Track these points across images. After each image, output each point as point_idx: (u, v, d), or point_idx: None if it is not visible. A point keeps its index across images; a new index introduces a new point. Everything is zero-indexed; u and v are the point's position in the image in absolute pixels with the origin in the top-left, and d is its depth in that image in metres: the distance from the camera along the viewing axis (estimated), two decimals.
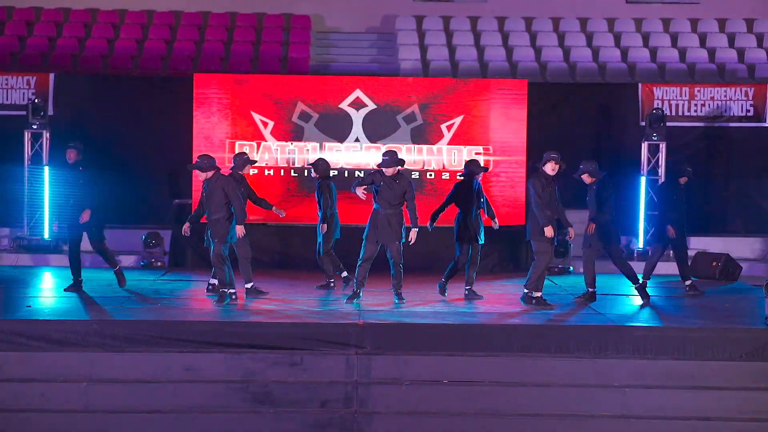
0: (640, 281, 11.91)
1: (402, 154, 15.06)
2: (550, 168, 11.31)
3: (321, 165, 12.94)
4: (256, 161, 13.34)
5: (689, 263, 13.59)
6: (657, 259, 12.81)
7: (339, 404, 9.48)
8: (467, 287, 12.14)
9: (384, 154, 11.56)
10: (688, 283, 12.65)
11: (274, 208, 12.46)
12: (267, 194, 14.98)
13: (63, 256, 15.11)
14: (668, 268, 15.06)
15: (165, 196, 15.79)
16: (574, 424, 9.44)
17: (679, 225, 12.64)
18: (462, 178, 12.30)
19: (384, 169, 11.44)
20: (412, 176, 15.04)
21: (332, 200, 12.62)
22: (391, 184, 11.44)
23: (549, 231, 11.13)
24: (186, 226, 11.51)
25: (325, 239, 12.68)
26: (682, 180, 12.89)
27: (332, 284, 12.77)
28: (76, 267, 12.15)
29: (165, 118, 16.02)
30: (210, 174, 11.23)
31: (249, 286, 12.06)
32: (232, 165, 12.30)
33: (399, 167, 11.52)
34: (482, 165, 12.44)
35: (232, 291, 11.33)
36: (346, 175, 15.05)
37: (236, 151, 14.91)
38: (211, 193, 11.18)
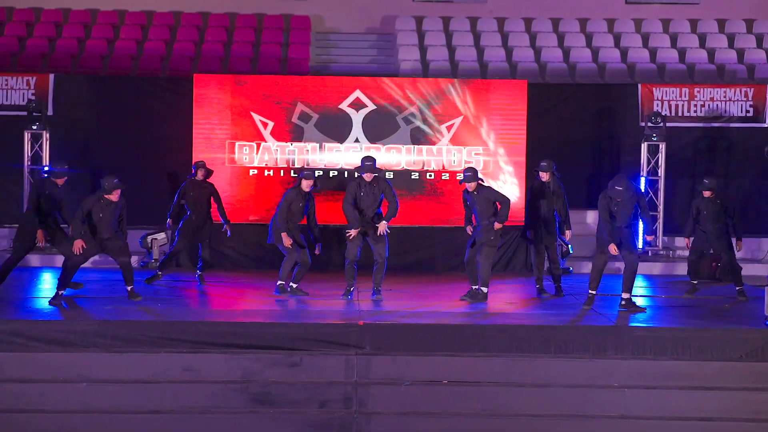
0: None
1: (402, 155, 15.10)
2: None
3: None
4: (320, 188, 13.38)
5: (690, 264, 13.68)
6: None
7: (338, 404, 9.49)
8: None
9: (364, 160, 11.88)
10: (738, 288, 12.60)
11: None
12: (267, 195, 15.01)
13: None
14: (671, 268, 15.08)
15: (165, 197, 15.76)
16: (574, 424, 9.46)
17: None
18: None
19: (364, 175, 11.75)
20: (412, 177, 15.05)
21: None
22: (371, 190, 11.77)
23: None
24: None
25: None
26: (706, 194, 12.74)
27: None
28: None
29: (165, 118, 16.00)
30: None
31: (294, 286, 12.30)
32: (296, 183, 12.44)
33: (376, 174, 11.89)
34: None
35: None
36: (346, 175, 15.05)
37: (236, 152, 14.96)
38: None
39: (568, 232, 12.63)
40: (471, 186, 11.79)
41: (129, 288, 11.65)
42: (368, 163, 11.79)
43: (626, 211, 11.22)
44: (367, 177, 11.75)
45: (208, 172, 13.53)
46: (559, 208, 12.50)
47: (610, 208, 11.22)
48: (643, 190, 15.72)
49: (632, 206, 11.26)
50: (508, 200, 11.94)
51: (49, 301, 11.38)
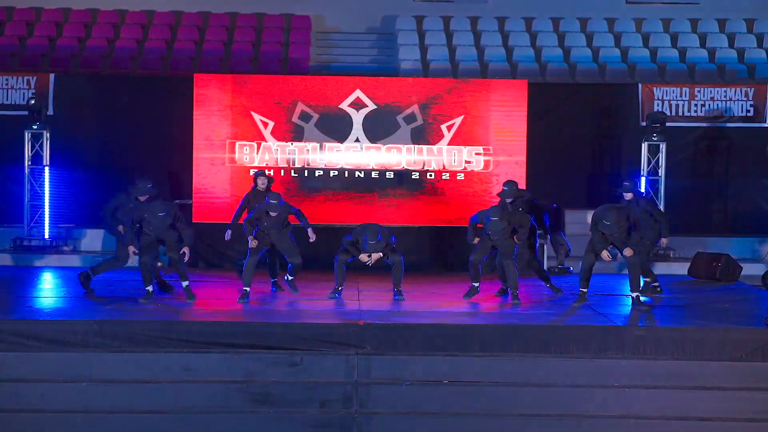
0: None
1: (402, 154, 15.10)
2: None
3: None
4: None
5: (691, 263, 13.83)
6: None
7: (338, 404, 9.49)
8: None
9: (370, 238, 11.56)
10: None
11: None
12: None
13: (63, 256, 15.16)
14: (671, 268, 15.09)
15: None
16: (574, 424, 9.45)
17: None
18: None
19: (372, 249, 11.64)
20: (413, 177, 15.05)
21: None
22: (375, 247, 11.59)
23: None
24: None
25: None
26: (627, 196, 12.59)
27: None
28: None
29: (165, 118, 16.01)
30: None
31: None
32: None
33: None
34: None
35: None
36: (346, 175, 15.05)
37: (236, 152, 14.96)
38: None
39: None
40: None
41: (186, 285, 11.75)
42: (372, 242, 11.57)
43: (618, 236, 11.20)
44: (375, 256, 11.71)
45: (269, 181, 13.26)
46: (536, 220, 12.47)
47: (600, 229, 11.21)
48: (643, 190, 15.67)
49: (625, 232, 11.15)
50: (529, 218, 11.96)
51: (80, 273, 12.11)
